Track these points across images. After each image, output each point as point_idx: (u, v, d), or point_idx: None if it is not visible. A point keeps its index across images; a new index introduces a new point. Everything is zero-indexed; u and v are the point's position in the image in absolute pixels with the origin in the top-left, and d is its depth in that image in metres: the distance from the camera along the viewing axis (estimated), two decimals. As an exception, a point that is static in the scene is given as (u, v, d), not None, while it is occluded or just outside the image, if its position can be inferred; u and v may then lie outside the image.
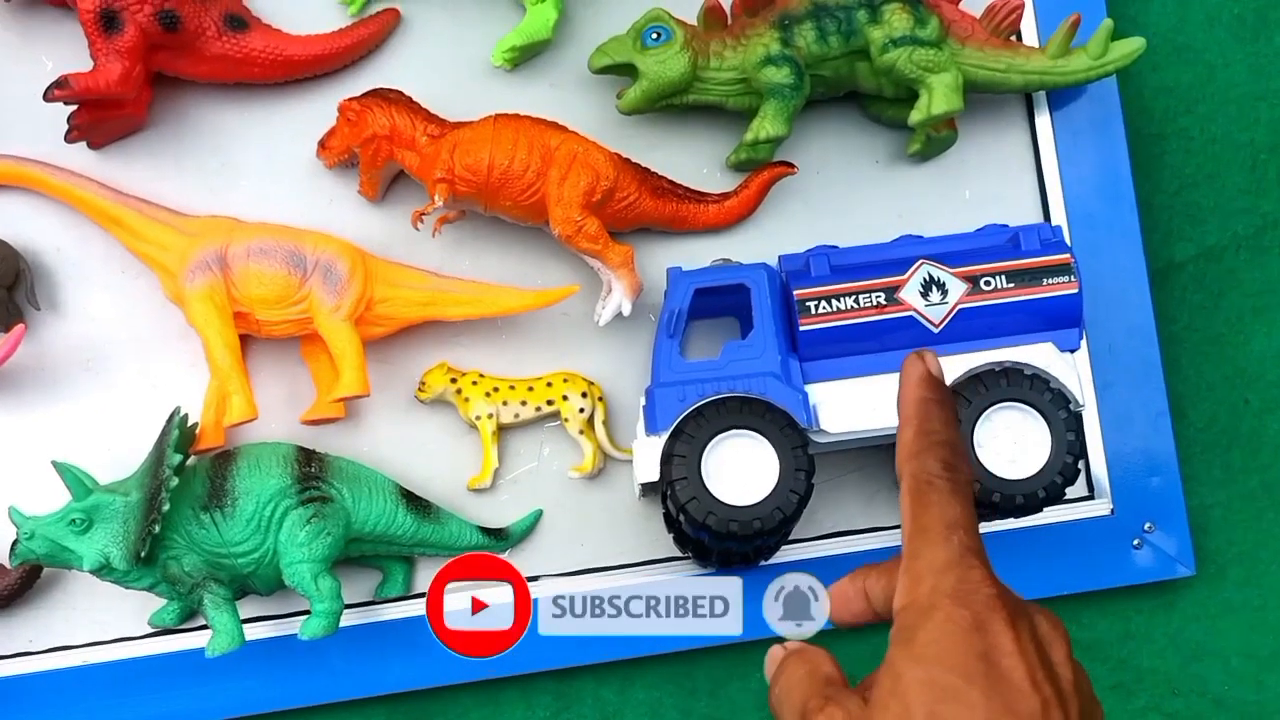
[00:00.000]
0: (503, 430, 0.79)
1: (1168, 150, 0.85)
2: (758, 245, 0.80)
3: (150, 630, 0.78)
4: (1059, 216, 0.81)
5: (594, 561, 0.80)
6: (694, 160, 0.81)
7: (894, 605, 0.45)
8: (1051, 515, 0.79)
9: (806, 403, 0.70)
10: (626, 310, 0.75)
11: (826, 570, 0.77)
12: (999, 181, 0.82)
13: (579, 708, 0.81)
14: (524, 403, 0.78)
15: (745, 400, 0.69)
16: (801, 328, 0.71)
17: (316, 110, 0.79)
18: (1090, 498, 0.80)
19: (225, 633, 0.71)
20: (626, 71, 0.77)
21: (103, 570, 0.71)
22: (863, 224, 0.80)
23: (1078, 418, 0.70)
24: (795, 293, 0.71)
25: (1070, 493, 0.80)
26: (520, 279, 0.80)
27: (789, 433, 0.69)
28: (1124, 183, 0.81)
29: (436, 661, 0.78)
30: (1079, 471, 0.69)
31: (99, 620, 0.78)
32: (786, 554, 0.79)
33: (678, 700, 0.81)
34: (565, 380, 0.79)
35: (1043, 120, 0.81)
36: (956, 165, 0.82)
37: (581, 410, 0.78)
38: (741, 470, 0.69)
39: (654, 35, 0.76)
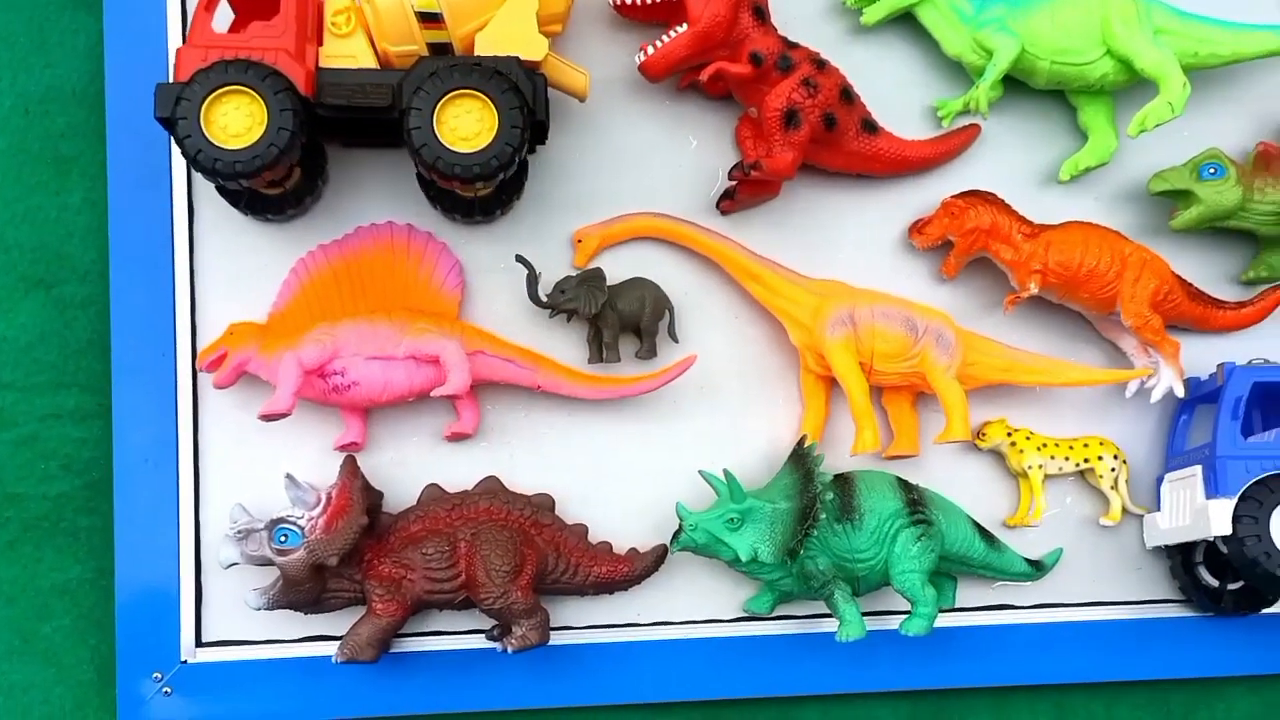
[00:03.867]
0: (1046, 480, 0.95)
1: None
2: (1253, 348, 0.96)
3: (740, 615, 0.94)
4: None
5: (1109, 596, 0.95)
6: (1208, 272, 0.98)
7: None
8: None
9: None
10: (1179, 391, 0.92)
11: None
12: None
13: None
14: (1066, 459, 0.94)
15: (1310, 480, 0.86)
16: (1343, 427, 0.87)
17: (907, 200, 0.97)
18: None
19: (854, 622, 0.86)
20: (1179, 196, 0.94)
21: (751, 562, 0.86)
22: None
23: None
24: (1346, 399, 0.88)
25: None
26: (1053, 354, 0.96)
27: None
28: None
29: (953, 665, 0.94)
30: None
31: (696, 603, 0.94)
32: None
33: None
34: (1101, 444, 0.95)
35: None
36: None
37: (1113, 470, 0.94)
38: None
39: (1210, 170, 0.93)
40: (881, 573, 0.89)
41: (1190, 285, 0.95)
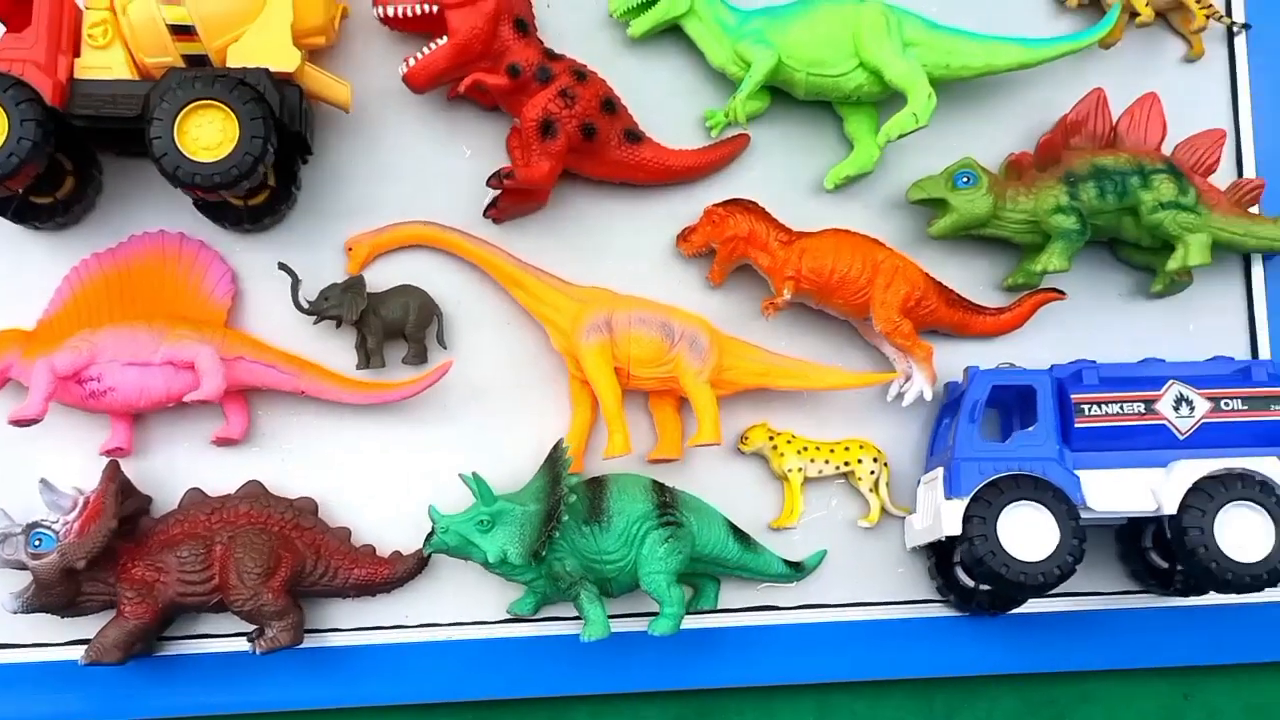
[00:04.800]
0: (806, 483, 0.97)
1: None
2: (1007, 351, 0.98)
3: (505, 617, 0.95)
4: (1264, 351, 0.99)
5: (871, 596, 0.97)
6: (974, 278, 1.00)
7: None
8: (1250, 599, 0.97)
9: (1078, 485, 0.88)
10: (929, 395, 0.94)
11: (1045, 624, 0.96)
12: (1217, 319, 1.01)
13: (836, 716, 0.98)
14: (827, 461, 0.96)
15: (1035, 479, 0.88)
16: (1076, 425, 0.89)
17: (677, 209, 0.99)
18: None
19: (598, 622, 0.88)
20: (936, 204, 0.96)
21: (500, 564, 0.88)
22: (1106, 345, 0.99)
23: (1296, 515, 0.88)
24: (1073, 396, 0.90)
25: None
26: (820, 358, 0.98)
27: (1067, 507, 0.87)
28: (1323, 328, 1.00)
29: (719, 666, 0.96)
30: (1293, 560, 0.87)
31: (463, 605, 0.95)
32: (1033, 605, 0.96)
33: None
34: (861, 446, 0.96)
35: (1257, 271, 1.01)
36: (1183, 304, 1.01)
37: (872, 472, 0.96)
38: (1028, 533, 0.86)
39: (964, 179, 0.95)
40: (632, 574, 0.90)
41: (950, 292, 0.97)
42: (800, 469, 0.96)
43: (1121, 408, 0.90)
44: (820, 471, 0.96)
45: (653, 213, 0.99)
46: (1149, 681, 0.99)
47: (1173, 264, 0.94)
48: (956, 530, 0.87)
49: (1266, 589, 0.88)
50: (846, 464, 0.96)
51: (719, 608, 0.96)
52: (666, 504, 0.92)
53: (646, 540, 0.90)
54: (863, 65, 0.94)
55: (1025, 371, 0.92)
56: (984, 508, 0.87)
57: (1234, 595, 0.91)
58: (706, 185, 1.00)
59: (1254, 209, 0.97)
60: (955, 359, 0.97)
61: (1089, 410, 0.90)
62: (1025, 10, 1.02)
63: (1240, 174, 1.01)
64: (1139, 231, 0.95)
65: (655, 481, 0.93)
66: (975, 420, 0.90)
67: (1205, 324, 1.01)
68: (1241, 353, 1.00)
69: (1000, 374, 0.92)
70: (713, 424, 0.92)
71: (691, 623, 0.95)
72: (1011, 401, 0.94)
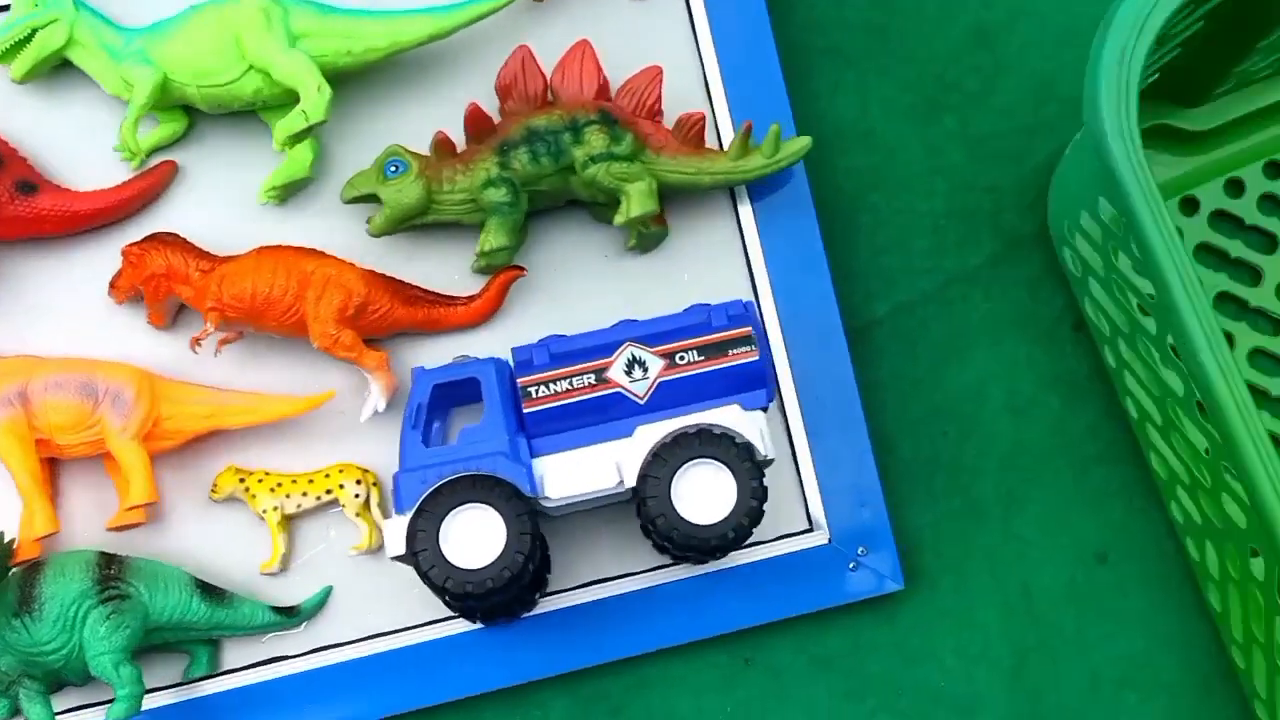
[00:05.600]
0: (291, 519, 0.90)
1: (860, 223, 0.98)
2: (505, 337, 0.93)
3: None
4: (764, 289, 0.94)
5: (383, 627, 0.91)
6: (446, 268, 0.94)
7: None
8: (778, 548, 0.92)
9: (531, 474, 0.82)
10: (381, 407, 0.87)
11: (584, 616, 0.90)
12: (712, 264, 0.95)
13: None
14: (305, 494, 0.89)
15: (476, 478, 0.81)
16: (525, 410, 0.83)
17: (108, 254, 0.91)
18: (810, 530, 0.92)
19: (38, 724, 0.81)
20: (375, 200, 0.89)
21: None
22: (597, 311, 0.92)
23: (759, 467, 0.82)
24: (519, 380, 0.83)
25: (792, 527, 0.93)
26: (303, 385, 0.91)
27: (514, 502, 0.80)
28: (818, 256, 0.94)
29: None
30: (762, 513, 0.82)
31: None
32: (547, 604, 0.90)
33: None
34: (341, 470, 0.90)
35: (745, 209, 0.95)
36: (675, 253, 0.95)
37: (357, 495, 0.89)
38: (475, 539, 0.80)
39: (393, 168, 0.88)
40: (81, 660, 0.83)
41: (409, 289, 0.91)
42: (276, 507, 0.89)
43: (571, 383, 0.83)
44: (300, 506, 0.89)
45: (89, 261, 0.91)
46: (706, 654, 0.93)
47: (619, 218, 0.88)
48: (400, 549, 0.81)
49: (733, 550, 0.83)
50: (328, 492, 0.90)
51: (220, 670, 0.90)
52: (110, 576, 0.84)
53: (87, 621, 0.83)
54: (254, 68, 0.88)
55: (469, 364, 0.86)
56: (428, 520, 0.80)
57: (717, 560, 0.87)
58: (144, 222, 0.92)
59: (744, 147, 0.90)
60: (440, 358, 0.91)
61: (536, 392, 0.83)
62: (450, -24, 0.96)
63: (713, 109, 0.96)
64: (588, 190, 0.89)
65: (102, 554, 0.86)
66: (418, 427, 0.83)
67: (702, 271, 0.95)
68: (744, 293, 0.95)
69: (441, 371, 0.85)
70: (143, 482, 0.85)
71: (188, 692, 0.89)
72: (470, 398, 0.87)
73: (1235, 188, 0.98)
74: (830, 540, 0.92)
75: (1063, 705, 0.93)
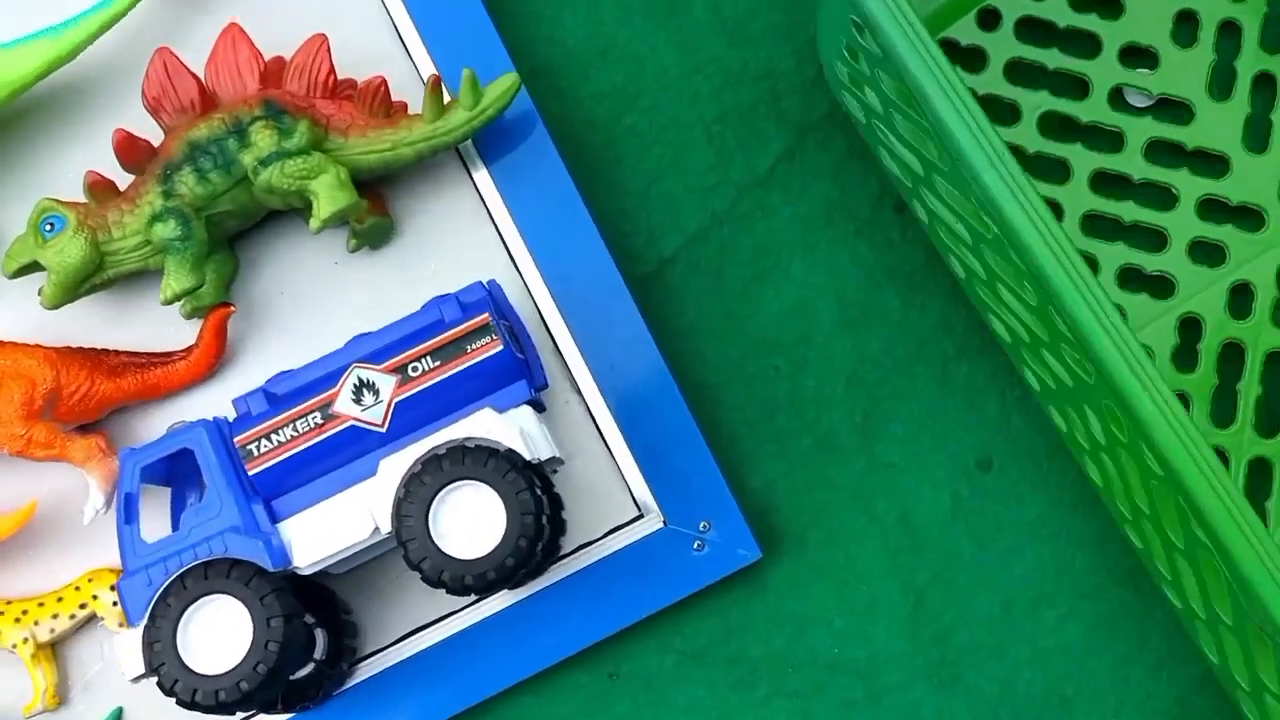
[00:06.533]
0: (54, 646, 0.79)
1: (624, 152, 0.84)
2: (239, 384, 0.80)
3: None
4: (524, 259, 0.80)
5: (184, 738, 0.79)
6: (162, 322, 0.81)
7: None
8: (610, 544, 0.79)
9: (271, 544, 0.70)
10: (101, 505, 0.75)
11: (409, 673, 0.79)
12: (459, 245, 0.81)
13: None
14: (56, 615, 0.77)
15: (209, 565, 0.69)
16: (250, 472, 0.70)
17: None
18: (641, 517, 0.79)
19: None
20: (42, 267, 0.76)
21: None
22: (339, 330, 0.78)
23: (530, 474, 0.69)
24: (235, 439, 0.71)
25: (622, 517, 0.80)
26: (22, 495, 0.78)
27: (256, 583, 0.68)
28: (574, 203, 0.80)
29: None
30: (544, 527, 0.69)
31: None
32: (365, 670, 0.78)
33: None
34: (90, 580, 0.78)
35: (480, 174, 0.81)
36: (416, 241, 0.81)
37: (116, 604, 0.78)
38: (217, 636, 0.68)
39: (48, 226, 0.75)
40: None
41: (113, 357, 0.78)
42: (26, 639, 0.77)
43: (295, 427, 0.70)
44: (54, 630, 0.78)
45: None
46: (564, 677, 0.80)
47: (314, 223, 0.74)
48: (140, 669, 0.69)
49: (527, 579, 0.71)
50: (83, 606, 0.78)
51: (18, 829, 0.80)
52: None
53: None
54: None
55: (176, 433, 0.73)
56: (160, 628, 0.68)
57: (506, 594, 0.74)
58: None
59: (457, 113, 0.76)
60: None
61: (257, 449, 0.70)
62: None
63: (415, 65, 0.82)
64: (274, 197, 0.76)
65: None
66: (133, 520, 0.71)
67: (449, 256, 0.81)
68: (504, 268, 0.81)
69: (148, 450, 0.72)
70: None
71: None
72: (193, 471, 0.75)
73: None
74: (666, 523, 0.79)
75: (975, 642, 0.80)
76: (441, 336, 0.71)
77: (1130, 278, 0.81)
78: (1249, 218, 0.81)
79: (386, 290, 0.81)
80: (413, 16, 0.80)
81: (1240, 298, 0.80)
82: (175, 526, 0.73)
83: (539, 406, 0.75)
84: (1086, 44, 0.83)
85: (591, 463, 0.80)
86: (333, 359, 0.73)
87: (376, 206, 0.79)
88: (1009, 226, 0.58)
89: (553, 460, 0.73)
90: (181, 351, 0.79)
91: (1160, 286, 0.81)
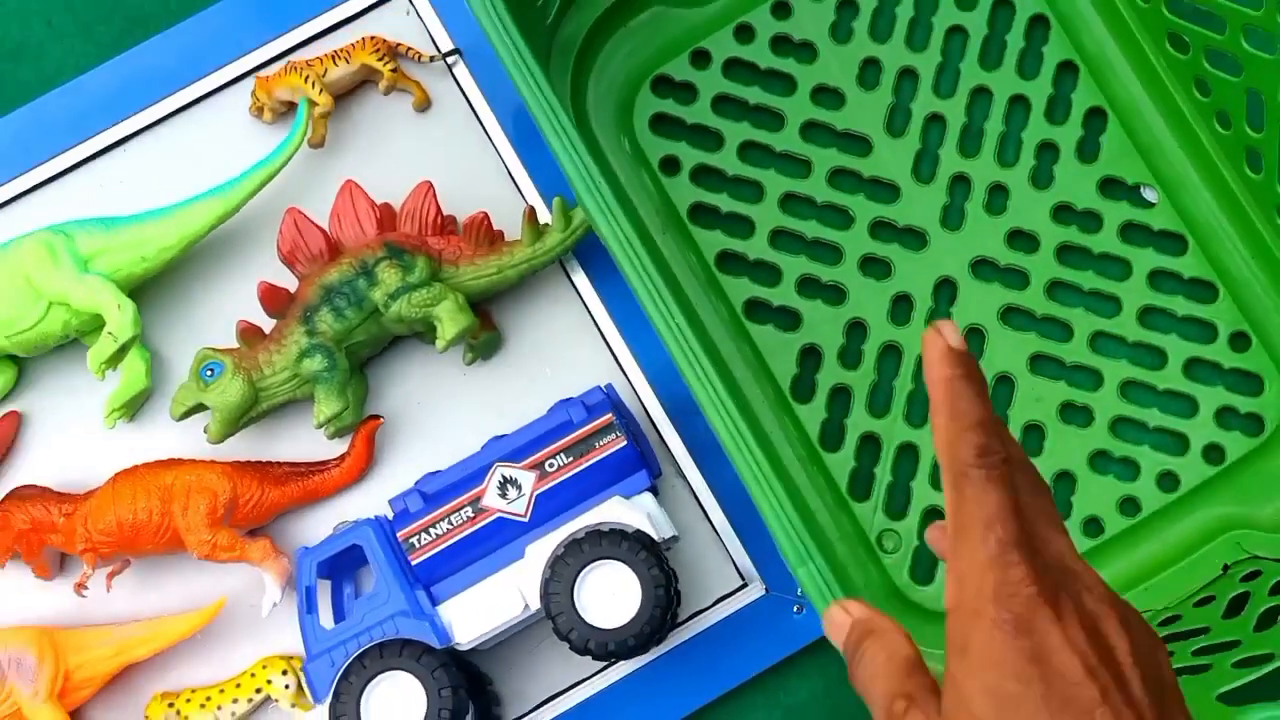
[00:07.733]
0: (234, 731, 0.89)
1: (708, 261, 0.96)
2: (387, 487, 0.90)
3: None
4: (628, 360, 0.91)
5: (351, 807, 0.89)
6: (313, 435, 0.92)
7: (946, 605, 0.46)
8: (716, 614, 0.89)
9: (436, 624, 0.80)
10: (278, 598, 0.85)
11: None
12: (569, 349, 0.92)
13: None
14: (235, 700, 0.87)
15: (383, 645, 0.79)
16: (413, 562, 0.81)
17: (-22, 522, 0.90)
18: (745, 585, 0.89)
19: None
20: (206, 408, 0.87)
21: None
22: (470, 431, 0.90)
23: (656, 550, 0.80)
24: (399, 534, 0.81)
25: (726, 587, 0.90)
26: (206, 594, 0.89)
27: (426, 659, 0.78)
28: (671, 311, 0.91)
29: None
30: (672, 598, 0.79)
31: None
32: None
33: None
34: (264, 666, 0.88)
35: (581, 278, 0.92)
36: (531, 349, 0.93)
37: (287, 686, 0.87)
38: (399, 707, 0.78)
39: (208, 371, 0.86)
40: None
41: (276, 468, 0.89)
42: (212, 724, 0.88)
43: (450, 521, 0.81)
44: (235, 714, 0.87)
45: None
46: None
47: (440, 344, 0.85)
48: (332, 742, 0.79)
49: (656, 643, 0.80)
50: (259, 691, 0.88)
51: None
52: None
53: None
54: (54, 304, 0.86)
55: (346, 531, 0.84)
56: (344, 703, 0.78)
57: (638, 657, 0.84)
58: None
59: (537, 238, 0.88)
60: (326, 523, 0.90)
61: (419, 541, 0.81)
62: (227, 148, 0.94)
63: (524, 198, 0.94)
64: (403, 325, 0.87)
65: (46, 825, 0.85)
66: (314, 610, 0.81)
67: (561, 360, 0.92)
68: (610, 370, 0.92)
69: (322, 547, 0.83)
70: (68, 739, 0.84)
71: None
72: (364, 560, 0.85)
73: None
74: (768, 590, 0.89)
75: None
76: (572, 436, 0.82)
77: (807, 285, 0.93)
78: (914, 237, 0.93)
79: (508, 393, 0.91)
80: (517, 150, 0.93)
81: (901, 306, 0.91)
82: (339, 614, 0.84)
83: (655, 492, 0.85)
84: (784, 83, 0.95)
85: (698, 539, 0.90)
86: (475, 459, 0.84)
87: (486, 323, 0.90)
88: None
89: (671, 539, 0.83)
90: (335, 460, 0.90)
91: (834, 294, 0.93)
